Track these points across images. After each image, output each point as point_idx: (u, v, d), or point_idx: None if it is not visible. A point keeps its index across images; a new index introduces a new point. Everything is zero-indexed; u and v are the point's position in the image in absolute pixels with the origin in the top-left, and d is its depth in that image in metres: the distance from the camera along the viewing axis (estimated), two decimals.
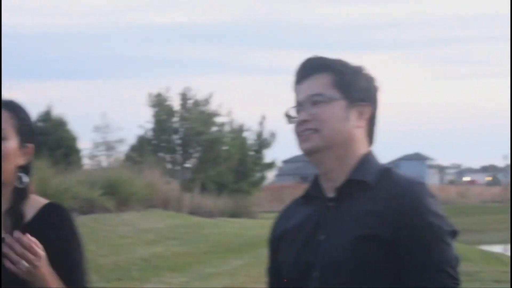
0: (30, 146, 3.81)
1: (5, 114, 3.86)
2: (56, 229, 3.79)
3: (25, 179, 3.76)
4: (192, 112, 47.54)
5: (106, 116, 43.80)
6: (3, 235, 3.66)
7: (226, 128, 49.46)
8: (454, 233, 2.94)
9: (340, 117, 3.04)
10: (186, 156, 46.95)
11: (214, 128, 48.16)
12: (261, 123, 52.93)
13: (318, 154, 3.09)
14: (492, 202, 76.28)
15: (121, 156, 44.80)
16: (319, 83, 3.09)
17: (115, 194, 29.60)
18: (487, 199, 79.01)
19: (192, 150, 46.87)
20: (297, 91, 3.16)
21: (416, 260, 2.88)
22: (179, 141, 47.55)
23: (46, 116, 39.44)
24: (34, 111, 41.91)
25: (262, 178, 50.80)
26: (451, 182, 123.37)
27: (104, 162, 43.35)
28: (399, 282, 2.90)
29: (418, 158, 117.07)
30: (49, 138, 36.66)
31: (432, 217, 2.88)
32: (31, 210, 3.73)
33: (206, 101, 46.78)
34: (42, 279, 3.53)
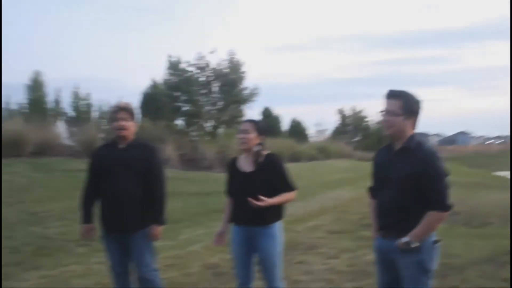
0: (263, 136, 3.95)
1: (250, 124, 3.97)
2: (273, 163, 3.90)
3: (257, 147, 3.88)
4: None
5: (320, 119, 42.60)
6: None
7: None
8: (447, 175, 3.02)
9: (401, 124, 3.08)
10: (355, 137, 42.38)
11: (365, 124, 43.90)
12: None
13: (391, 135, 3.14)
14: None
15: (327, 135, 41.16)
16: (393, 104, 3.09)
17: (324, 152, 27.93)
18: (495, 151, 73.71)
19: (358, 135, 42.42)
20: (385, 103, 3.14)
21: (430, 187, 2.98)
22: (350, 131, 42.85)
23: (295, 122, 39.06)
24: (288, 120, 41.69)
25: None
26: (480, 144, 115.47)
27: (320, 138, 40.05)
28: (422, 196, 2.99)
29: (464, 133, 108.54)
30: (295, 130, 36.96)
31: (438, 168, 2.99)
32: (263, 157, 3.87)
33: None
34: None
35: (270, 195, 3.76)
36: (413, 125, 3.14)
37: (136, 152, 4.11)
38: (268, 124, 30.48)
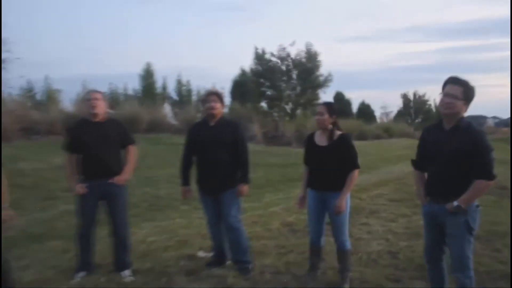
0: (335, 116, 3.99)
1: (324, 107, 4.00)
2: (344, 142, 3.95)
3: (331, 127, 3.98)
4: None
5: (386, 102, 40.77)
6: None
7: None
8: (493, 150, 3.03)
9: (460, 106, 3.08)
10: (416, 118, 40.53)
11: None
12: None
13: (448, 115, 3.12)
14: None
15: (392, 117, 40.37)
16: (456, 89, 3.08)
17: (388, 132, 27.07)
18: None
19: (419, 117, 40.24)
20: (446, 87, 3.12)
21: (479, 159, 3.01)
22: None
23: (364, 105, 37.47)
24: (357, 103, 40.25)
25: None
26: None
27: (385, 120, 39.87)
28: (471, 167, 3.03)
29: None
30: (364, 112, 35.93)
31: (486, 144, 3.02)
32: (337, 136, 3.95)
33: None
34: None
35: (339, 166, 3.88)
36: (466, 109, 3.14)
37: (224, 128, 4.31)
38: (339, 106, 30.12)
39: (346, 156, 3.92)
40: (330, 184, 3.93)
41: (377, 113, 40.03)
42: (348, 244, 4.08)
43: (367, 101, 36.85)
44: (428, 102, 39.51)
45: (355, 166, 3.93)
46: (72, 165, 4.25)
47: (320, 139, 4.05)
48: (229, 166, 4.30)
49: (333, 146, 3.95)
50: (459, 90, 3.07)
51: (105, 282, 4.08)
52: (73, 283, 4.04)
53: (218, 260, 4.54)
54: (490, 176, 3.01)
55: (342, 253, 4.06)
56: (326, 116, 3.95)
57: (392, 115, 41.50)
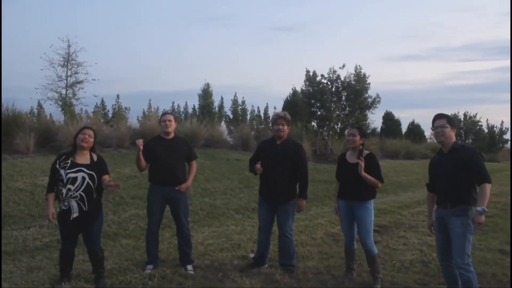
0: (363, 138, 4.45)
1: (356, 130, 4.47)
2: (371, 160, 4.33)
3: (360, 147, 4.44)
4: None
5: None
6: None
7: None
8: (484, 160, 3.57)
9: (448, 132, 3.65)
10: (467, 139, 38.33)
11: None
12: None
13: (443, 142, 3.67)
14: None
15: None
16: (441, 121, 3.67)
17: (435, 152, 26.61)
18: None
19: (470, 137, 39.40)
20: (434, 123, 3.72)
21: (477, 169, 3.49)
22: None
23: (414, 125, 36.59)
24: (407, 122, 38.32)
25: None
26: None
27: (435, 140, 37.97)
28: (472, 177, 3.54)
29: None
30: (414, 132, 34.74)
31: (479, 158, 3.54)
32: (365, 154, 4.37)
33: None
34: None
35: (365, 181, 4.32)
36: (455, 134, 3.71)
37: (288, 147, 4.79)
38: (389, 125, 29.40)
39: (372, 171, 4.35)
40: (357, 195, 4.37)
41: (427, 133, 38.91)
42: (375, 250, 4.45)
43: (417, 121, 34.90)
44: (480, 123, 37.85)
45: (380, 180, 4.38)
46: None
47: (351, 157, 4.52)
48: (289, 180, 4.74)
49: None
50: (444, 120, 3.63)
51: (170, 274, 4.63)
52: (145, 273, 4.60)
53: (257, 263, 4.94)
54: (489, 180, 3.45)
55: (370, 257, 4.43)
56: (358, 137, 4.44)
57: None
